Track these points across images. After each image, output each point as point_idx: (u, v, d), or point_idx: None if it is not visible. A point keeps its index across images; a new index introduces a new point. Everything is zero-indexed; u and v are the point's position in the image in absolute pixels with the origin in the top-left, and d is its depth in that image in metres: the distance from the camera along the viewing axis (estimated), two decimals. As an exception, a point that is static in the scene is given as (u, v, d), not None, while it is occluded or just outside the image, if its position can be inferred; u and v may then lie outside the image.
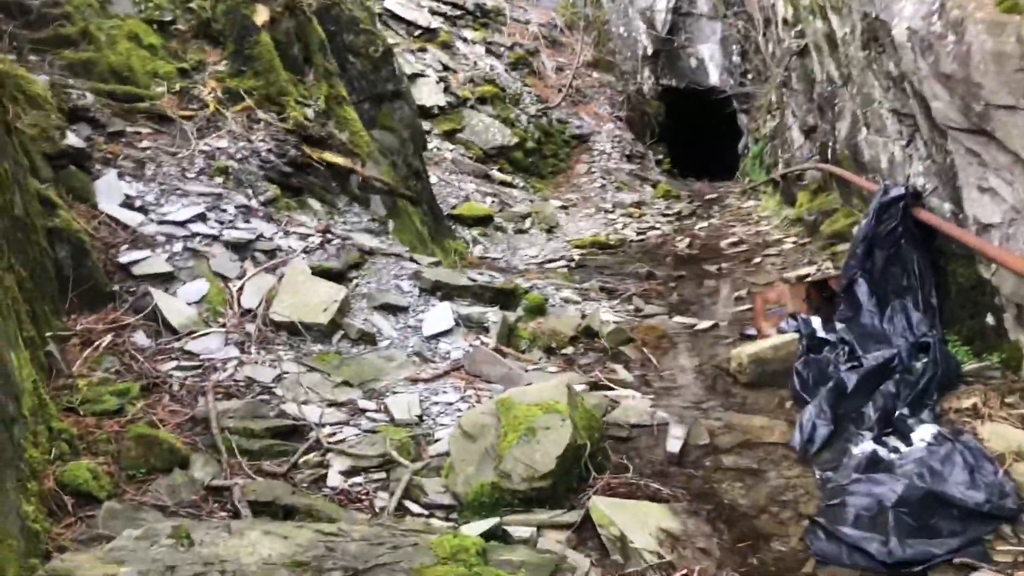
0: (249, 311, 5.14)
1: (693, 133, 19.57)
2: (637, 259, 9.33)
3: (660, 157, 18.38)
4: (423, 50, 15.97)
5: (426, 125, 13.92)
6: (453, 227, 10.47)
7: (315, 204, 6.96)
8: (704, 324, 6.35)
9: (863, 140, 7.37)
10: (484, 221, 10.73)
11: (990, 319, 4.61)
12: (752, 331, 5.99)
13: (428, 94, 14.64)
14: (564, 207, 13.34)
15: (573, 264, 9.08)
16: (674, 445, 4.16)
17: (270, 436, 4.06)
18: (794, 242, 9.11)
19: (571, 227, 11.83)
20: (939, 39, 4.04)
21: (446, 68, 15.98)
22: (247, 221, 5.86)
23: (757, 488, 3.78)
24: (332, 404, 4.55)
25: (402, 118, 9.32)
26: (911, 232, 5.09)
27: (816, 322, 5.34)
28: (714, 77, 17.96)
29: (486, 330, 5.66)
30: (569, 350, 5.81)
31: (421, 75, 15.00)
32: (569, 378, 5.01)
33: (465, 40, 18.04)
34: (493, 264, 9.26)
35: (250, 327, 5.01)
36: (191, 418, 4.08)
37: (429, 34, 16.92)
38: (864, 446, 3.90)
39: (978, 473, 3.49)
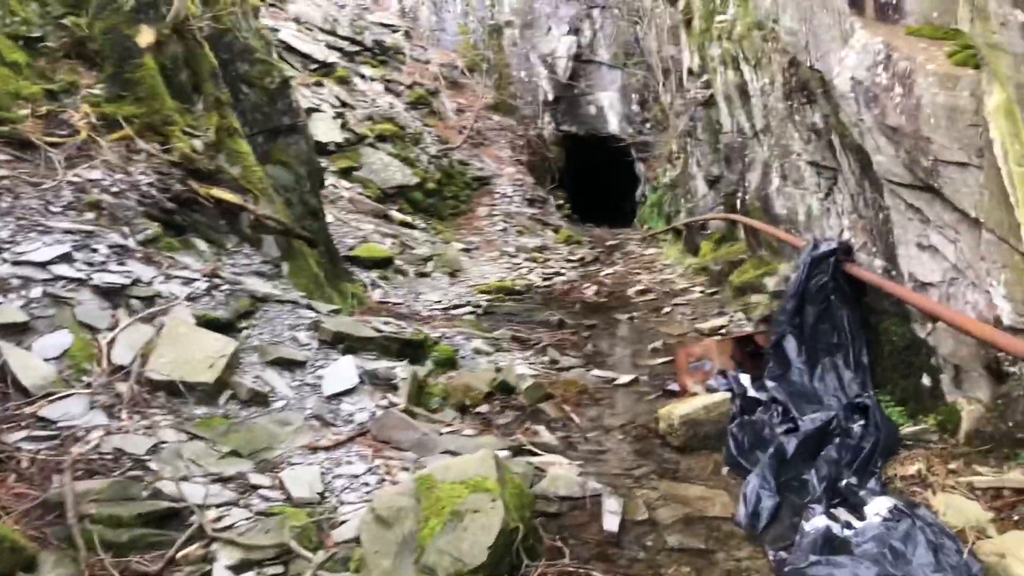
0: (121, 368, 4.44)
1: (593, 180, 19.70)
2: (546, 306, 9.00)
3: (561, 202, 18.34)
4: (319, 84, 15.40)
5: (323, 162, 13.34)
6: (351, 270, 9.87)
7: (201, 244, 6.28)
8: (624, 378, 6.03)
9: (775, 191, 7.32)
10: (384, 263, 10.19)
11: (926, 380, 4.46)
12: (675, 386, 5.71)
13: (325, 130, 14.06)
14: (467, 250, 12.95)
15: (480, 311, 8.66)
16: (612, 523, 3.75)
17: (142, 524, 3.40)
18: (701, 291, 9.00)
19: (475, 271, 11.43)
20: (885, 91, 3.89)
21: (344, 104, 15.45)
22: (121, 263, 5.15)
23: (707, 573, 3.40)
24: (219, 480, 3.92)
25: (298, 153, 8.73)
26: (842, 288, 4.93)
27: (746, 379, 5.09)
28: (613, 125, 18.15)
29: (394, 387, 5.13)
30: (484, 408, 5.35)
31: (317, 110, 14.42)
32: (490, 443, 4.55)
33: (363, 77, 17.59)
34: (394, 309, 8.72)
35: (122, 387, 4.31)
36: (42, 503, 3.37)
37: (326, 69, 16.37)
38: (816, 522, 3.60)
39: (942, 553, 3.23)
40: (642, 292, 9.48)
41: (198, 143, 6.57)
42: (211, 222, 6.54)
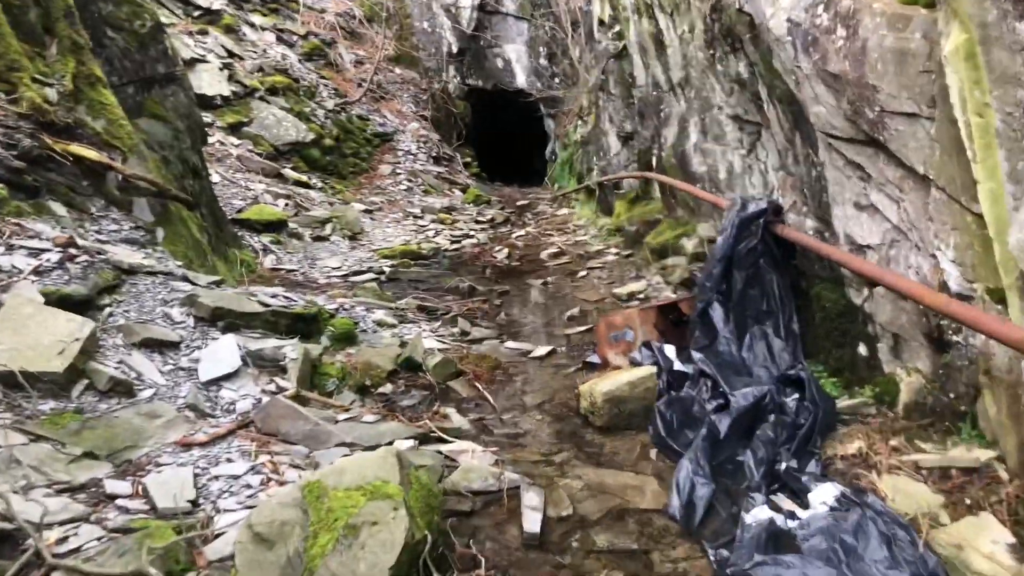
0: (-56, 358, 3.70)
1: (501, 137, 19.16)
2: (455, 271, 8.48)
3: (468, 160, 17.79)
4: (203, 33, 14.21)
5: (208, 117, 12.31)
6: (240, 234, 9.09)
7: (59, 209, 5.46)
8: (541, 350, 5.60)
9: (692, 147, 6.97)
10: (277, 227, 9.43)
11: (862, 349, 4.18)
12: (595, 358, 5.31)
13: (210, 82, 12.99)
14: (368, 211, 12.26)
15: (383, 277, 8.07)
16: (533, 522, 3.31)
17: (-42, 556, 2.75)
18: (616, 254, 8.66)
19: (377, 233, 10.78)
20: (826, 34, 3.50)
21: (231, 55, 14.32)
22: (-51, 231, 4.35)
23: (641, 578, 3.01)
24: (66, 490, 3.28)
25: (176, 106, 7.86)
26: (771, 251, 4.60)
27: (671, 351, 4.72)
28: (521, 79, 17.59)
29: (283, 370, 4.54)
30: (388, 388, 4.83)
31: (202, 60, 13.30)
32: (394, 431, 4.04)
33: (252, 26, 16.41)
34: (288, 277, 8.04)
35: (-56, 382, 3.59)
36: None
37: (211, 16, 15.14)
38: (757, 513, 3.26)
39: (895, 546, 2.93)
40: (556, 255, 9.07)
41: (51, 92, 5.70)
42: (72, 183, 5.70)
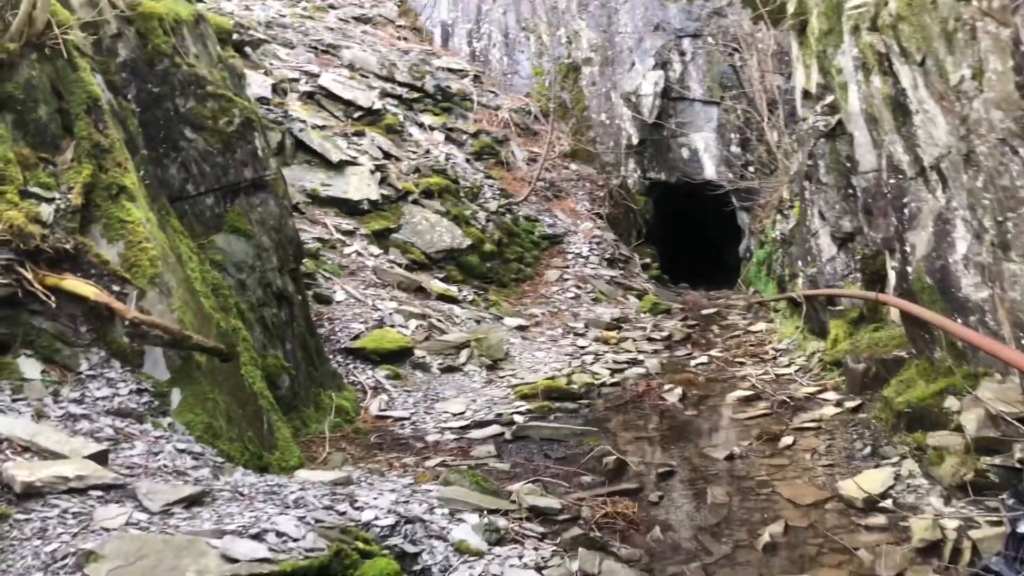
0: None
1: (686, 234, 16.98)
2: (604, 425, 6.32)
3: (647, 261, 15.74)
4: (359, 134, 13.35)
5: (350, 224, 11.22)
6: (351, 366, 7.50)
7: (31, 369, 4.01)
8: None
9: (962, 263, 4.49)
10: (398, 356, 7.77)
11: None
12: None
13: (357, 186, 11.94)
14: (523, 327, 10.42)
15: (509, 433, 6.08)
16: None
17: None
18: (837, 404, 6.14)
19: (525, 359, 8.87)
20: None
21: (387, 156, 13.33)
22: None
23: None
24: None
25: (264, 218, 6.47)
26: None
27: None
28: (710, 170, 15.45)
29: None
30: None
31: (352, 163, 12.34)
32: None
33: (421, 126, 15.56)
34: (391, 430, 6.25)
35: None
36: None
37: (372, 116, 14.36)
38: None
39: None
40: (748, 401, 6.68)
41: (46, 210, 4.32)
42: (64, 330, 4.25)
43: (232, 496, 3.51)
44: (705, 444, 5.58)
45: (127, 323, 4.28)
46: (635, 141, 16.57)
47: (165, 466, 3.68)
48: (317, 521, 3.30)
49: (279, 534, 3.04)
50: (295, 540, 3.05)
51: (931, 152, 4.62)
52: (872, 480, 4.38)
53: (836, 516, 4.08)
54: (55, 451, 3.29)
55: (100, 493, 3.11)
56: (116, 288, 4.40)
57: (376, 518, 3.70)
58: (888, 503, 4.11)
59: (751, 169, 14.43)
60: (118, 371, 4.23)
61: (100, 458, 3.42)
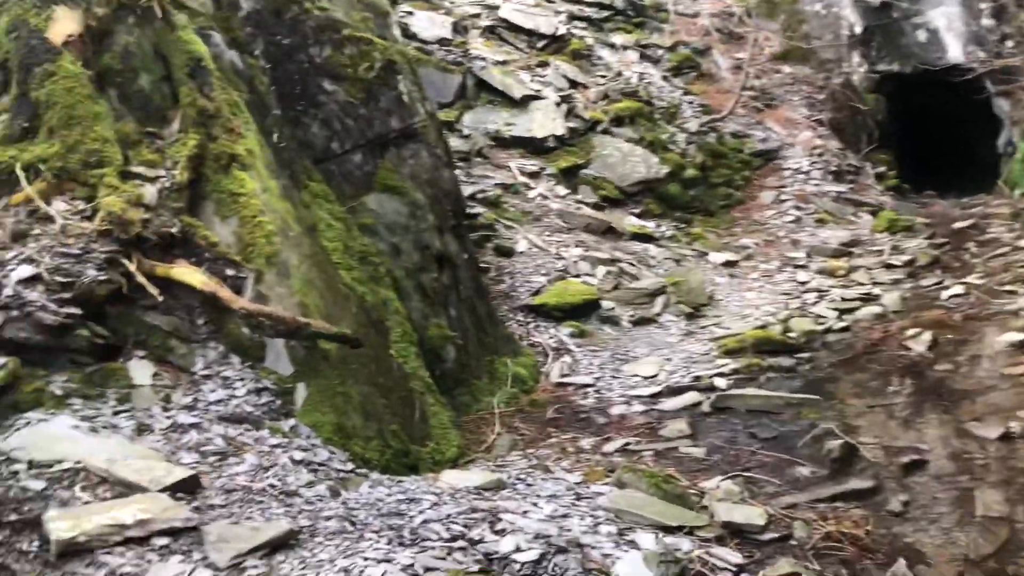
0: None
1: (928, 132, 14.67)
2: (832, 386, 5.13)
3: (882, 170, 13.91)
4: (543, 65, 12.49)
5: (535, 164, 10.48)
6: (533, 325, 6.79)
7: (142, 374, 3.65)
8: None
9: None
10: (583, 310, 6.98)
11: None
12: None
13: (542, 122, 11.15)
14: (731, 263, 9.22)
15: (708, 404, 5.10)
16: None
17: None
18: None
19: (732, 302, 7.75)
20: None
21: (573, 84, 12.38)
22: None
23: None
24: None
25: (416, 172, 5.86)
26: None
27: None
28: (955, 51, 13.22)
29: None
30: None
31: (536, 97, 11.54)
32: None
33: (612, 46, 14.42)
34: (571, 401, 5.49)
35: None
36: None
37: (557, 43, 13.44)
38: None
39: None
40: (1020, 347, 5.16)
41: (150, 191, 3.91)
42: (179, 325, 3.86)
43: (338, 527, 2.90)
44: (967, 415, 4.26)
45: (242, 312, 3.79)
46: (858, 30, 14.59)
47: (272, 486, 3.15)
48: (428, 570, 2.58)
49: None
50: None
51: None
52: None
53: None
54: (133, 482, 2.84)
55: (165, 541, 2.61)
56: (230, 272, 3.93)
57: (517, 548, 2.94)
58: None
59: (1009, 44, 12.09)
60: (236, 368, 3.79)
61: (189, 485, 2.93)
